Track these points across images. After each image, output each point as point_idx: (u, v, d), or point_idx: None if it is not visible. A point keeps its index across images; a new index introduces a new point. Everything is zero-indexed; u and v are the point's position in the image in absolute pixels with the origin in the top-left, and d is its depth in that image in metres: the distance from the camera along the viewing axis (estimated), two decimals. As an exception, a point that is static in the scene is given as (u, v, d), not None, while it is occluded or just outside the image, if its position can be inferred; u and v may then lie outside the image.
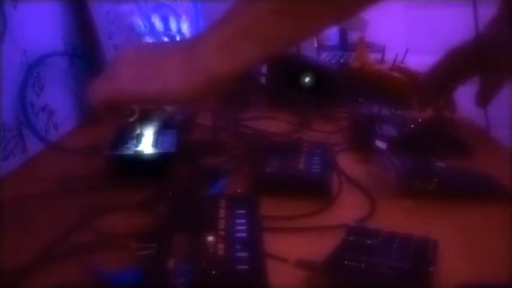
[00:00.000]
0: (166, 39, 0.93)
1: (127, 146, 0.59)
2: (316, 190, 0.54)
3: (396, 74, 0.94)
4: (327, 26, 0.51)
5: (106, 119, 0.55)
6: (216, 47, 0.46)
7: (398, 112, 0.78)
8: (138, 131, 0.59)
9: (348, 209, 0.52)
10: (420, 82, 0.81)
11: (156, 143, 0.60)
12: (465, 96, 0.82)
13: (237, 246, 0.40)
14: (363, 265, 0.38)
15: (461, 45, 0.78)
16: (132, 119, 0.55)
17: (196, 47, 0.47)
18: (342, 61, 1.25)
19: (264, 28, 0.45)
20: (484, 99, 0.77)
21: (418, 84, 0.82)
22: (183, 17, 0.99)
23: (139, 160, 0.57)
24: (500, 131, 0.79)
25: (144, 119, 0.58)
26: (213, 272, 0.36)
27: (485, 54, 0.73)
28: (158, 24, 0.92)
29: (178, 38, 0.95)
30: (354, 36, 1.55)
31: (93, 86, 0.52)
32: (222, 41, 0.46)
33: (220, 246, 0.39)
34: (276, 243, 0.42)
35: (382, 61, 1.03)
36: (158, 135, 0.62)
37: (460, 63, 0.77)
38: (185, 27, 1.00)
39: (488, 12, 0.80)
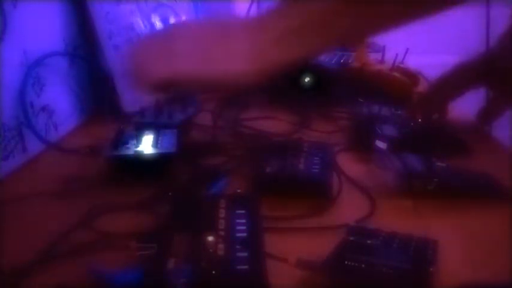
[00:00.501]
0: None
1: (127, 146, 0.59)
2: (316, 190, 0.54)
3: (396, 74, 0.94)
4: (400, 25, 0.48)
5: (151, 94, 0.52)
6: (286, 35, 0.44)
7: (398, 112, 0.78)
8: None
9: (348, 209, 0.52)
10: (424, 93, 0.81)
11: (156, 143, 0.60)
12: (465, 96, 0.82)
13: (237, 246, 0.40)
14: (363, 265, 0.38)
15: (470, 60, 0.78)
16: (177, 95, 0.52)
17: (265, 31, 0.45)
18: (342, 61, 1.24)
19: (335, 22, 0.44)
20: (487, 118, 0.77)
21: (421, 95, 0.82)
22: (183, 17, 0.99)
23: (140, 160, 0.57)
24: (500, 131, 0.79)
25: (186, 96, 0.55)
26: (213, 272, 0.36)
27: (495, 70, 0.73)
28: (158, 24, 0.92)
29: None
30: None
31: (140, 59, 0.48)
32: (292, 30, 0.44)
33: (220, 246, 0.39)
34: (276, 243, 0.42)
35: (382, 61, 1.03)
36: (158, 135, 0.62)
37: (467, 79, 0.77)
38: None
39: (492, 13, 0.80)
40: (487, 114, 0.78)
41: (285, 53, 0.45)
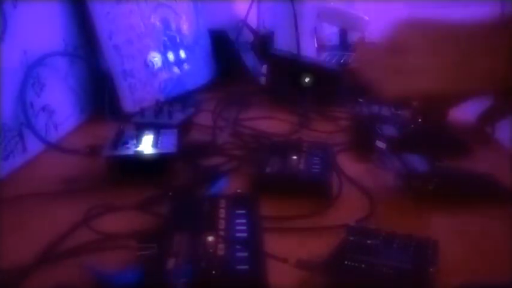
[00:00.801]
0: (166, 39, 0.93)
1: (127, 146, 0.59)
2: (316, 190, 0.54)
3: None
4: None
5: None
6: None
7: (398, 112, 0.78)
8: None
9: (348, 209, 0.52)
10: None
11: (156, 143, 0.60)
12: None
13: (237, 246, 0.40)
14: (363, 265, 0.38)
15: None
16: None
17: (503, 45, 0.40)
18: (342, 61, 1.25)
19: None
20: (489, 120, 0.77)
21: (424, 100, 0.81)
22: (183, 17, 0.99)
23: (140, 160, 0.57)
24: (500, 131, 0.79)
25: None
26: (213, 272, 0.36)
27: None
28: (158, 24, 0.92)
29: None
30: (354, 36, 1.55)
31: (378, 77, 0.44)
32: None
33: (220, 246, 0.39)
34: (276, 243, 0.42)
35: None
36: (158, 135, 0.62)
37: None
38: (185, 27, 1.00)
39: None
40: (489, 117, 0.78)
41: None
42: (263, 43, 1.10)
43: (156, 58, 0.88)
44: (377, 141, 0.61)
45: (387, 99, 0.46)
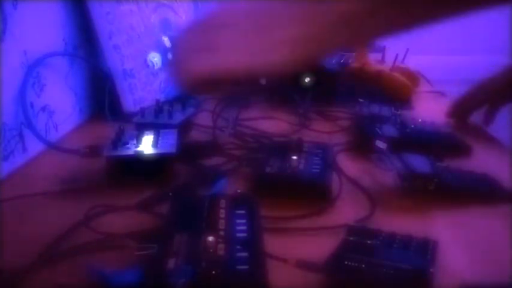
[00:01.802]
0: (166, 39, 0.93)
1: (127, 146, 0.59)
2: (316, 190, 0.54)
3: (396, 74, 0.94)
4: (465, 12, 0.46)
5: (195, 94, 0.48)
6: (340, 19, 0.41)
7: (398, 112, 0.78)
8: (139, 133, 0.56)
9: (348, 209, 0.52)
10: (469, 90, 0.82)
11: (156, 143, 0.60)
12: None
13: (237, 247, 0.40)
14: (363, 265, 0.38)
15: (496, 76, 0.80)
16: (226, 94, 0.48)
17: (315, 17, 0.42)
18: (342, 61, 1.24)
19: (390, 9, 0.41)
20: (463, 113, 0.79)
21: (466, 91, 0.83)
22: (183, 17, 0.99)
23: (139, 160, 0.57)
24: (500, 131, 0.79)
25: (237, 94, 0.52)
26: (213, 272, 0.36)
27: None
28: (158, 24, 0.92)
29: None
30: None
31: (181, 56, 0.45)
32: (348, 14, 0.41)
33: (221, 246, 0.39)
34: (276, 244, 0.42)
35: (382, 61, 1.03)
36: (158, 135, 0.62)
37: (492, 94, 0.79)
38: (185, 27, 1.00)
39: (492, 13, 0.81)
40: (463, 109, 0.80)
41: (336, 40, 0.42)
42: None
43: (156, 58, 0.88)
44: (377, 141, 0.61)
45: (191, 77, 0.44)
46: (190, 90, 0.47)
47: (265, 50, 0.42)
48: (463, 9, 0.43)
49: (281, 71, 0.43)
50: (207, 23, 0.45)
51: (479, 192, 0.55)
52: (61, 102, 0.75)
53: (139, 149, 0.58)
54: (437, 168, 0.56)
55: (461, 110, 0.82)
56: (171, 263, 0.37)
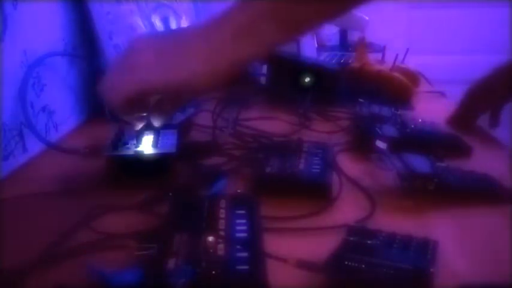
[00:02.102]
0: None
1: (127, 146, 0.59)
2: (317, 190, 0.54)
3: (396, 74, 0.94)
4: (346, 10, 0.51)
5: (125, 115, 0.53)
6: (236, 32, 0.46)
7: (398, 112, 0.78)
8: (145, 126, 0.57)
9: (348, 209, 0.52)
10: (469, 92, 0.82)
11: (156, 143, 0.60)
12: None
13: (237, 247, 0.40)
14: (363, 265, 0.38)
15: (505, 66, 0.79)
16: (151, 113, 0.53)
17: (216, 32, 0.47)
18: (342, 61, 1.25)
19: (282, 13, 0.46)
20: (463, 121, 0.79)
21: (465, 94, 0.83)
22: (183, 17, 0.99)
23: (140, 160, 0.57)
24: (500, 131, 0.79)
25: (159, 112, 0.56)
26: (213, 272, 0.36)
27: None
28: (158, 24, 0.92)
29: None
30: (354, 36, 1.55)
31: (110, 82, 0.49)
32: (241, 26, 0.46)
33: (220, 246, 0.39)
34: (276, 244, 0.42)
35: (382, 61, 1.03)
36: (158, 135, 0.62)
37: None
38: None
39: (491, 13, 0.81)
40: (463, 118, 0.80)
41: (241, 50, 0.46)
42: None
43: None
44: (377, 141, 0.61)
45: (115, 97, 0.49)
46: (119, 110, 0.51)
47: (179, 64, 0.47)
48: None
49: (199, 85, 0.48)
50: (128, 50, 0.50)
51: (479, 192, 0.55)
52: (61, 102, 0.75)
53: (139, 149, 0.58)
54: (437, 168, 0.56)
55: (465, 119, 0.81)
56: (171, 263, 0.37)
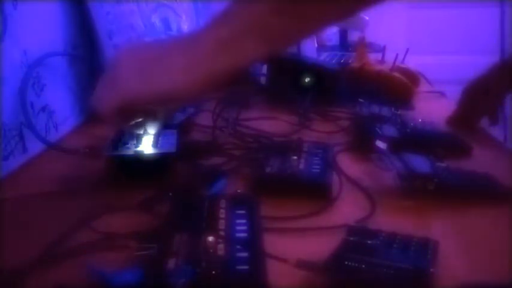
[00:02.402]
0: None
1: (127, 146, 0.59)
2: (317, 190, 0.54)
3: (396, 74, 0.94)
4: (329, 24, 0.52)
5: (116, 124, 0.54)
6: (217, 45, 0.46)
7: (398, 112, 0.78)
8: (141, 131, 0.58)
9: (348, 209, 0.52)
10: (465, 92, 0.81)
11: (156, 143, 0.60)
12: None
13: (237, 247, 0.40)
14: (363, 265, 0.38)
15: (509, 59, 0.79)
16: (141, 121, 0.55)
17: (197, 44, 0.47)
18: (342, 61, 1.25)
19: (264, 27, 0.46)
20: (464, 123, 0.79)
21: (461, 95, 0.82)
22: (183, 17, 0.99)
23: (140, 160, 0.57)
24: (500, 131, 0.79)
25: (150, 119, 0.57)
26: (213, 272, 0.36)
27: None
28: (158, 24, 0.92)
29: (175, 35, 0.95)
30: (354, 36, 1.55)
31: (98, 94, 0.51)
32: (222, 39, 0.46)
33: (221, 246, 0.39)
34: (276, 244, 0.42)
35: (382, 61, 1.03)
36: (158, 135, 0.62)
37: (508, 77, 0.78)
38: (185, 27, 1.00)
39: (491, 13, 0.81)
40: (464, 119, 0.79)
41: (221, 63, 0.47)
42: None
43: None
44: (377, 141, 0.61)
45: (104, 110, 0.50)
46: (109, 120, 0.52)
47: (159, 76, 0.47)
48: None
49: (180, 95, 0.48)
50: (111, 64, 0.51)
51: (479, 192, 0.55)
52: (61, 102, 0.75)
53: (139, 149, 0.58)
54: (437, 168, 0.56)
55: (466, 120, 0.80)
56: (171, 263, 0.37)
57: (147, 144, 0.59)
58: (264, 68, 0.97)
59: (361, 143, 0.67)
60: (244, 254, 0.39)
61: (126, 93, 0.49)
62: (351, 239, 0.42)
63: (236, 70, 0.47)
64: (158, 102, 0.51)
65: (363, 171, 0.60)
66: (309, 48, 1.15)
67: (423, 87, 1.06)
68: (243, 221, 0.44)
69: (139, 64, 0.48)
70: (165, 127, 0.64)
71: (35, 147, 0.65)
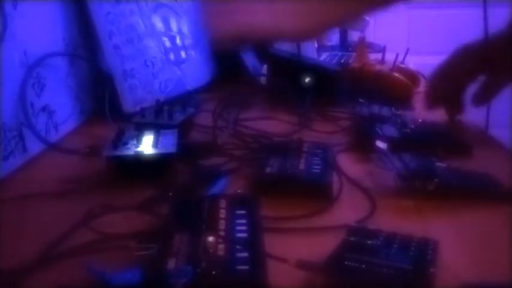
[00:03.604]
0: (167, 39, 0.93)
1: (127, 146, 0.59)
2: (317, 190, 0.54)
3: (396, 75, 0.94)
4: None
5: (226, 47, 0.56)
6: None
7: (399, 112, 0.78)
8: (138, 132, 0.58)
9: (348, 209, 0.52)
10: (429, 80, 0.80)
11: (156, 144, 0.60)
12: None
13: (238, 247, 0.40)
14: (363, 265, 0.38)
15: (471, 43, 0.77)
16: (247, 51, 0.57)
17: None
18: (342, 61, 1.25)
19: None
20: (481, 98, 0.75)
21: (427, 82, 0.81)
22: (184, 17, 0.99)
23: (140, 160, 0.57)
24: (500, 131, 0.79)
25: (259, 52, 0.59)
26: (213, 273, 0.36)
27: (494, 53, 0.72)
28: (158, 24, 0.92)
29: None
30: (354, 36, 1.55)
31: (212, 18, 0.52)
32: None
33: (221, 246, 0.39)
34: (276, 244, 0.42)
35: (382, 61, 1.03)
36: (158, 135, 0.62)
37: (470, 62, 0.75)
38: (185, 28, 1.00)
39: (491, 13, 0.80)
40: (481, 97, 0.76)
41: (335, 13, 0.50)
42: (263, 43, 1.11)
43: (156, 58, 0.88)
44: (377, 141, 0.61)
45: (219, 34, 0.52)
46: (221, 46, 0.55)
47: (284, 15, 0.49)
48: None
49: (294, 35, 0.51)
50: None
51: (479, 192, 0.55)
52: (61, 102, 0.75)
53: (139, 149, 0.58)
54: (437, 168, 0.56)
55: (446, 88, 0.76)
56: (171, 263, 0.37)
57: (147, 145, 0.59)
58: (264, 68, 0.97)
59: (361, 143, 0.67)
60: (245, 254, 0.39)
61: (248, 24, 0.50)
62: (351, 239, 0.42)
63: (346, 21, 0.56)
64: (274, 39, 0.55)
65: (363, 171, 0.60)
66: (309, 48, 1.15)
67: (423, 87, 1.06)
68: (243, 221, 0.44)
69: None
70: (166, 125, 0.64)
71: (35, 147, 0.65)
